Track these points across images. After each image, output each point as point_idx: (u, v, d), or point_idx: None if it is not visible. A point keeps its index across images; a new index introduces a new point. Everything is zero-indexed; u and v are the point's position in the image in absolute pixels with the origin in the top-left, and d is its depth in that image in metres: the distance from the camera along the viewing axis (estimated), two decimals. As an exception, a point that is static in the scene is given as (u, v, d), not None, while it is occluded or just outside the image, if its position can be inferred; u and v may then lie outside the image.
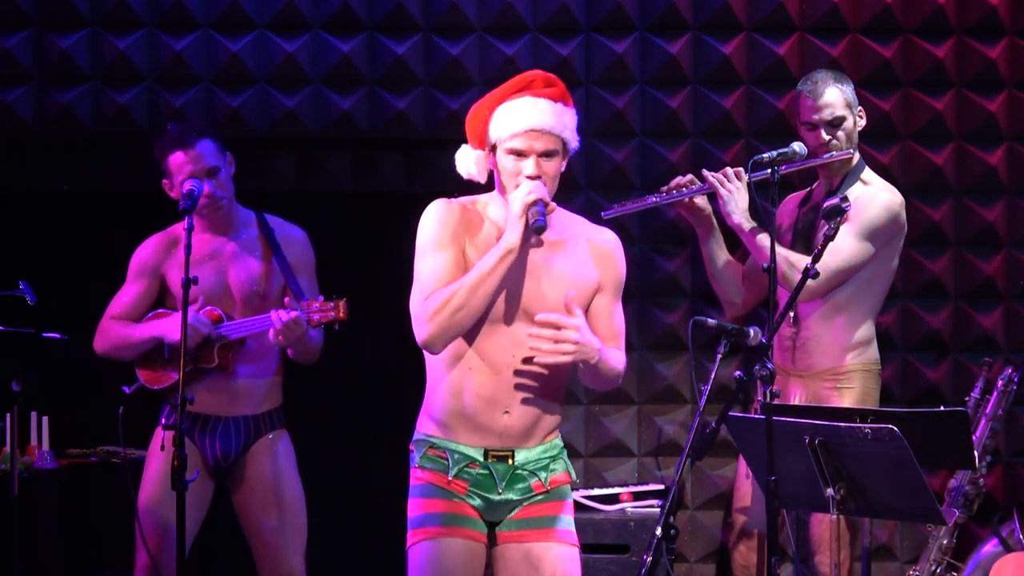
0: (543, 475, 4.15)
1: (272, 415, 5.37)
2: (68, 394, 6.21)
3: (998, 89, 6.22)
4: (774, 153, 5.24)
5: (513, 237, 4.01)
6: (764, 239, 5.23)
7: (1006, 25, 6.21)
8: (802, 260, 5.14)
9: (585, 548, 5.56)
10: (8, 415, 5.38)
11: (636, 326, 6.13)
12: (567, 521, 4.18)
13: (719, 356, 4.23)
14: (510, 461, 4.13)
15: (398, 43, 6.19)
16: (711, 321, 4.30)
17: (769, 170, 4.97)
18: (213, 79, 6.18)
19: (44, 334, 5.15)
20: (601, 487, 5.99)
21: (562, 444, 4.24)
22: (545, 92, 4.09)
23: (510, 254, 4.01)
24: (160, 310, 5.34)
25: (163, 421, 5.23)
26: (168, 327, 5.22)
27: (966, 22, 6.21)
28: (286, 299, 5.15)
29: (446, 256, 4.09)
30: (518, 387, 4.09)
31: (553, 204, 4.06)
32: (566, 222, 4.21)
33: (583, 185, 6.18)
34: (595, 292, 4.18)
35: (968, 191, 6.24)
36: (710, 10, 6.20)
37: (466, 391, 4.10)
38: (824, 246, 4.46)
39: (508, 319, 4.09)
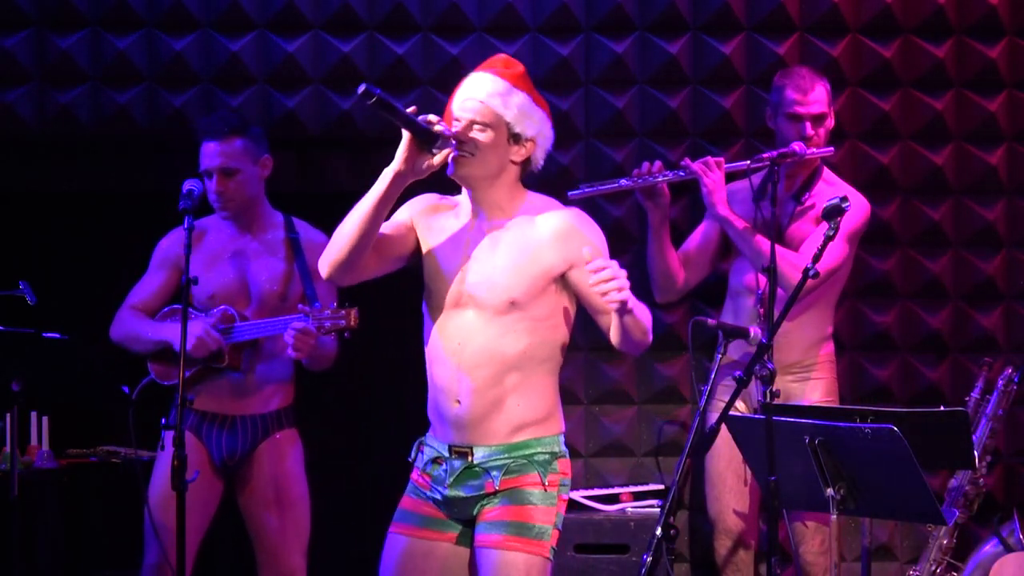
0: (496, 474, 4.08)
1: (282, 414, 5.36)
2: (68, 394, 6.20)
3: (998, 89, 6.22)
4: (775, 153, 5.27)
5: (396, 156, 4.02)
6: (752, 234, 5.27)
7: (1006, 25, 6.21)
8: (799, 258, 5.18)
9: (585, 548, 5.61)
10: (8, 415, 5.38)
11: (636, 326, 6.12)
12: (520, 527, 4.05)
13: (719, 356, 4.23)
14: (469, 458, 4.10)
15: (398, 43, 6.20)
16: (711, 321, 4.31)
17: (751, 165, 5.04)
18: (213, 79, 6.18)
19: (44, 334, 5.14)
20: (601, 487, 5.99)
21: (548, 450, 4.12)
22: (496, 69, 4.11)
23: (388, 175, 4.02)
24: (176, 306, 5.33)
25: (163, 421, 5.23)
26: (177, 333, 5.20)
27: (966, 22, 6.21)
28: (299, 305, 5.14)
29: (389, 223, 4.17)
30: (464, 374, 4.07)
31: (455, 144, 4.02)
32: (521, 207, 4.16)
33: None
34: (558, 273, 4.11)
35: (968, 191, 6.23)
36: (710, 10, 6.19)
37: (432, 384, 4.15)
38: (824, 246, 4.47)
39: (454, 304, 4.10)
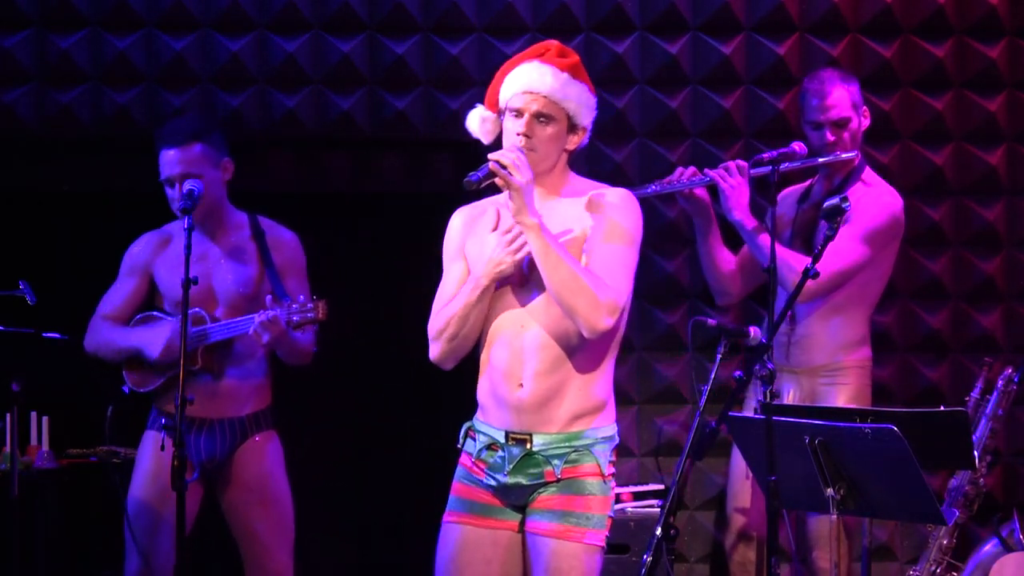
0: (557, 463, 4.10)
1: (260, 416, 5.34)
2: (68, 394, 6.21)
3: (998, 89, 6.22)
4: (774, 153, 5.27)
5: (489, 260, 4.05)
6: (765, 238, 5.23)
7: (1006, 25, 6.21)
8: (801, 261, 5.15)
9: (585, 548, 5.59)
10: (8, 415, 5.38)
11: (636, 326, 6.13)
12: (579, 517, 4.09)
13: (719, 356, 4.23)
14: (528, 445, 4.10)
15: (398, 43, 6.19)
16: (711, 321, 4.30)
17: (769, 167, 5.01)
18: (213, 79, 6.18)
19: (44, 334, 5.15)
20: (601, 487, 5.98)
21: (602, 437, 4.14)
22: (555, 60, 4.11)
23: (480, 281, 4.07)
24: (152, 312, 5.31)
25: (154, 423, 5.24)
26: (148, 340, 5.20)
27: (966, 22, 6.21)
28: (267, 298, 5.11)
29: (450, 270, 4.21)
30: (527, 358, 4.08)
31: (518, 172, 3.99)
32: (564, 189, 4.17)
33: (583, 185, 6.17)
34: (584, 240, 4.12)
35: (968, 191, 6.23)
36: (710, 10, 6.19)
37: (489, 367, 4.14)
38: (824, 246, 4.47)
39: (513, 289, 4.11)
